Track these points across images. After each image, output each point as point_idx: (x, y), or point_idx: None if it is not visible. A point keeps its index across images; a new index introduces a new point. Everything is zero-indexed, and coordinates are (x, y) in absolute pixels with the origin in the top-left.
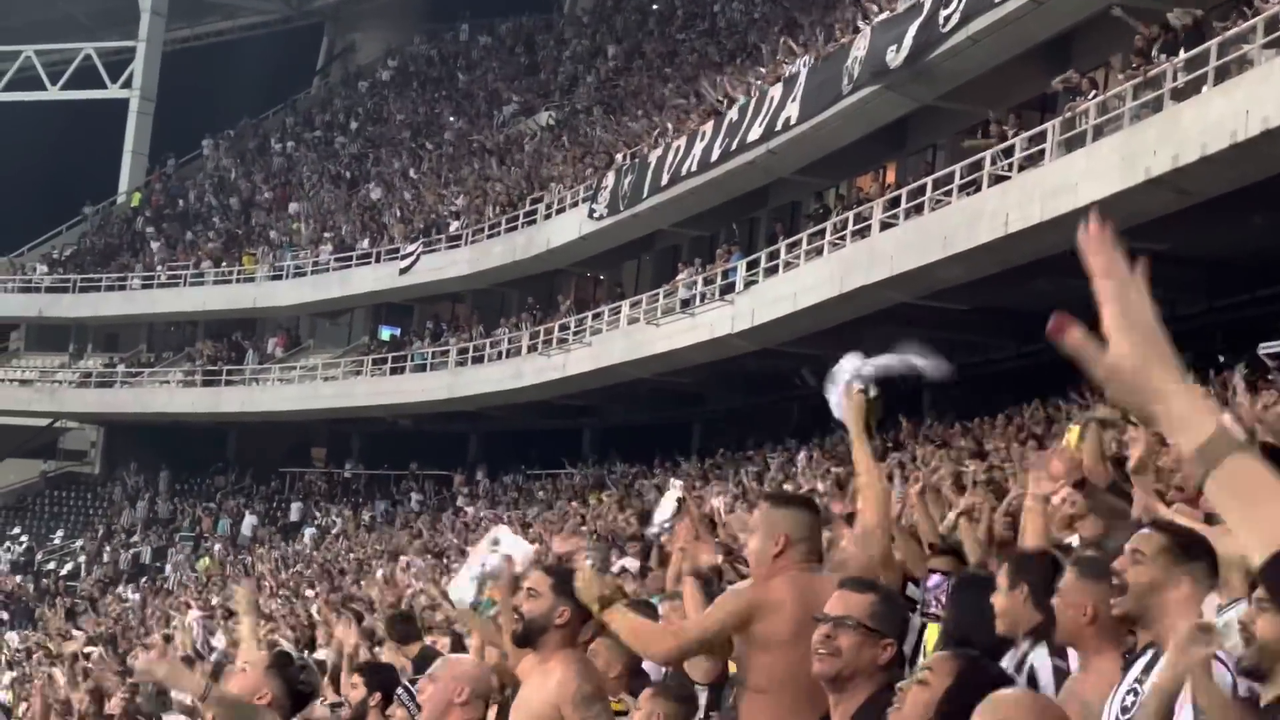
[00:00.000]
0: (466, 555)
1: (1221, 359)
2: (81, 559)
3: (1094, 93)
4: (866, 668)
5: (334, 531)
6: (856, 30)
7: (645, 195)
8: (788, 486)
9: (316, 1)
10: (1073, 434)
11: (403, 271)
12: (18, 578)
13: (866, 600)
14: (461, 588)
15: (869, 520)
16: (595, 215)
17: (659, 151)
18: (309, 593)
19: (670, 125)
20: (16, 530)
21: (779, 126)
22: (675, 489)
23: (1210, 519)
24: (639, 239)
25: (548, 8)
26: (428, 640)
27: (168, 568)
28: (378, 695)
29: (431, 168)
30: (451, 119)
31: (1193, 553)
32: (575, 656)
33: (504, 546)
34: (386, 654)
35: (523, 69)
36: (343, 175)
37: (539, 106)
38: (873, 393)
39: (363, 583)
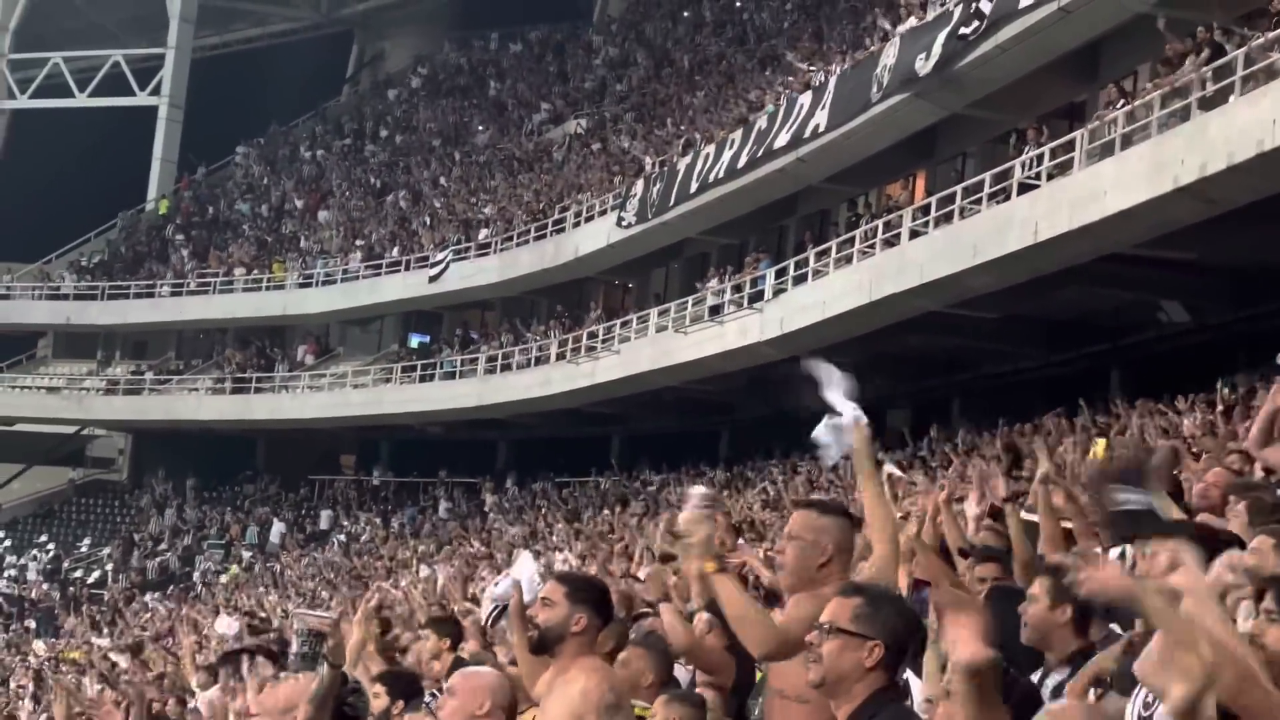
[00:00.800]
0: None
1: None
2: (109, 567)
3: (1122, 101)
4: (851, 672)
5: (363, 539)
6: (886, 38)
7: (674, 203)
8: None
9: (346, 9)
10: (1099, 447)
11: (432, 279)
12: (45, 585)
13: (851, 604)
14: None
15: (883, 551)
16: (624, 223)
17: (688, 159)
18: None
19: (699, 133)
20: (44, 538)
21: (808, 134)
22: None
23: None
24: (668, 247)
25: (577, 16)
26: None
27: (195, 576)
28: (400, 704)
29: (461, 176)
30: (481, 127)
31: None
32: (596, 665)
33: (515, 572)
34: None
35: (552, 77)
36: (372, 183)
37: (568, 114)
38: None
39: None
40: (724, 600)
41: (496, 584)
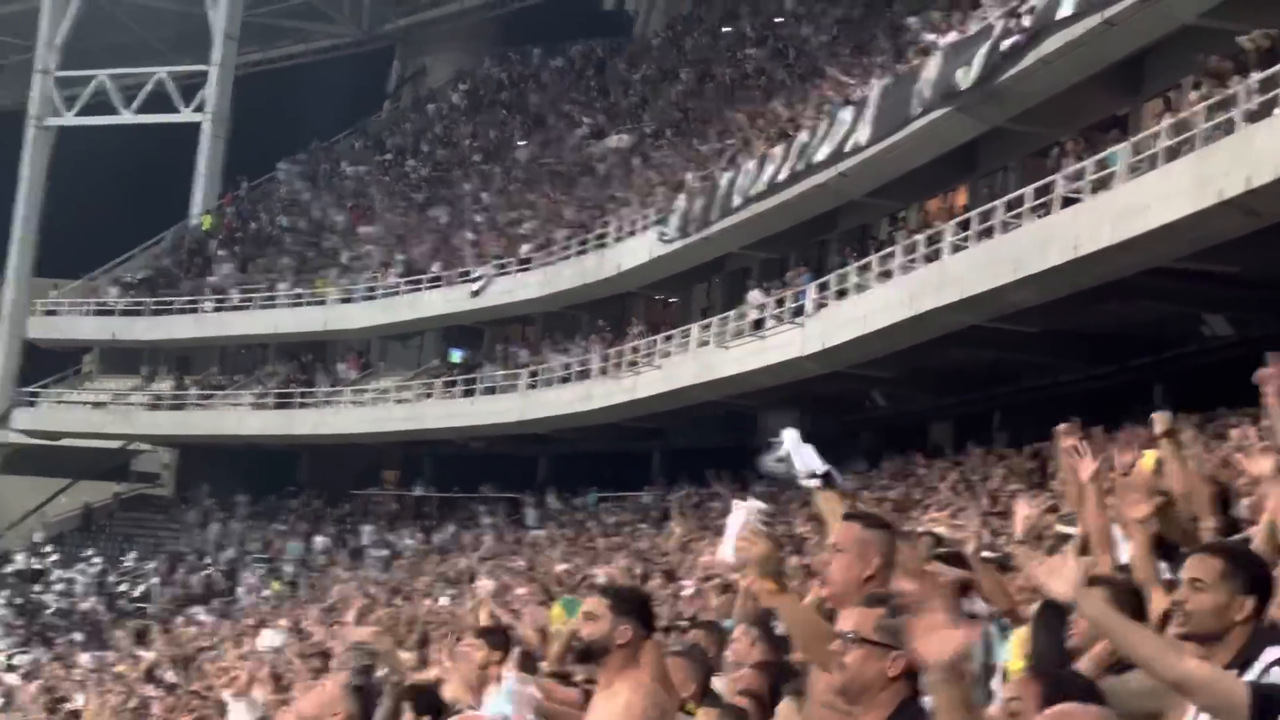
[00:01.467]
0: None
1: None
2: (154, 581)
3: (1166, 114)
4: (875, 681)
5: (405, 554)
6: (927, 52)
7: (715, 218)
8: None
9: (387, 25)
10: (1148, 458)
11: (473, 294)
12: (91, 599)
13: (875, 615)
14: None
15: None
16: (665, 238)
17: (729, 174)
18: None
19: (740, 148)
20: (90, 552)
21: (849, 149)
22: (743, 509)
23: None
24: (709, 262)
25: (619, 31)
26: None
27: (239, 590)
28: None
29: (502, 191)
30: (522, 142)
31: (1251, 570)
32: (642, 680)
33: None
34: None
35: (594, 92)
36: (414, 198)
37: (610, 129)
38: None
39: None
40: (787, 623)
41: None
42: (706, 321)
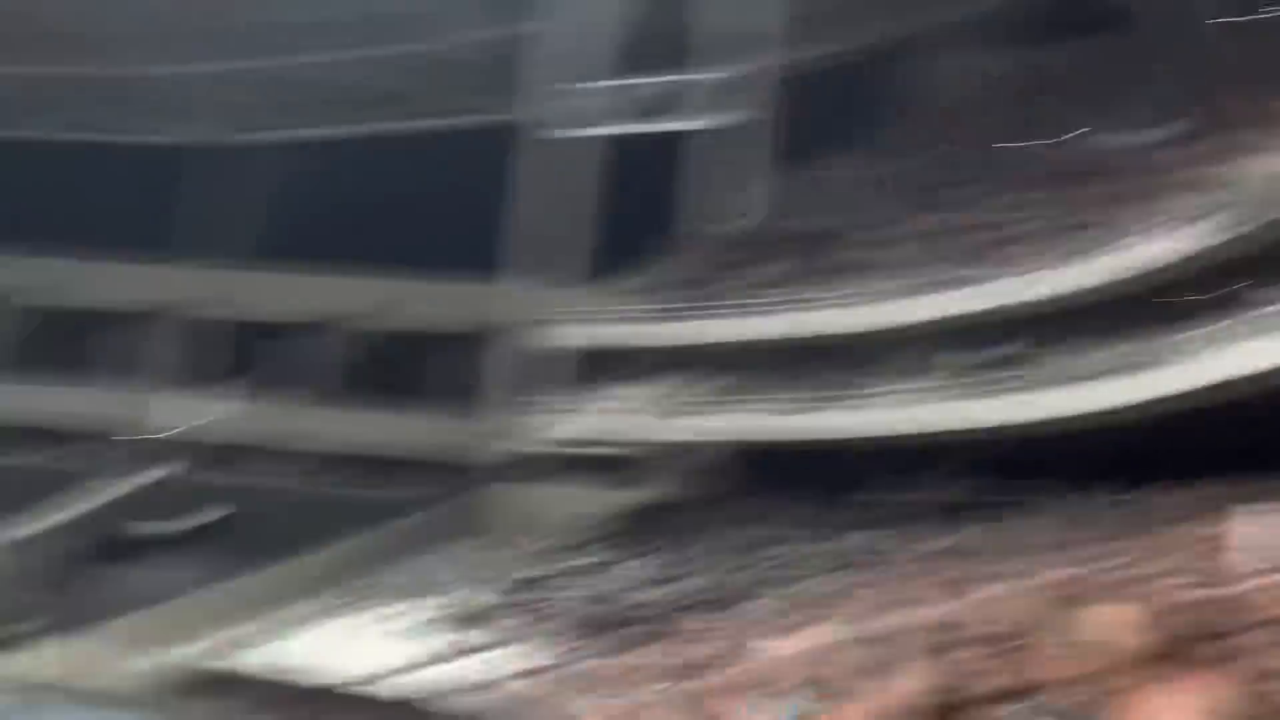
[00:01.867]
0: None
1: None
2: (689, 583)
3: None
4: None
5: (949, 554)
6: None
7: (1254, 212)
8: None
9: (901, 28)
10: None
11: (999, 294)
12: (636, 598)
13: None
14: None
15: None
16: (1201, 235)
17: (1268, 167)
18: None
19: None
20: (627, 555)
21: None
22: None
23: None
24: (1250, 256)
25: (1129, 25)
26: None
27: (773, 591)
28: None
29: (1030, 189)
30: (1033, 140)
31: None
32: (1189, 690)
33: None
34: None
35: (1107, 88)
36: (934, 195)
37: (1128, 126)
38: None
39: None
40: None
41: None
42: (1244, 317)
